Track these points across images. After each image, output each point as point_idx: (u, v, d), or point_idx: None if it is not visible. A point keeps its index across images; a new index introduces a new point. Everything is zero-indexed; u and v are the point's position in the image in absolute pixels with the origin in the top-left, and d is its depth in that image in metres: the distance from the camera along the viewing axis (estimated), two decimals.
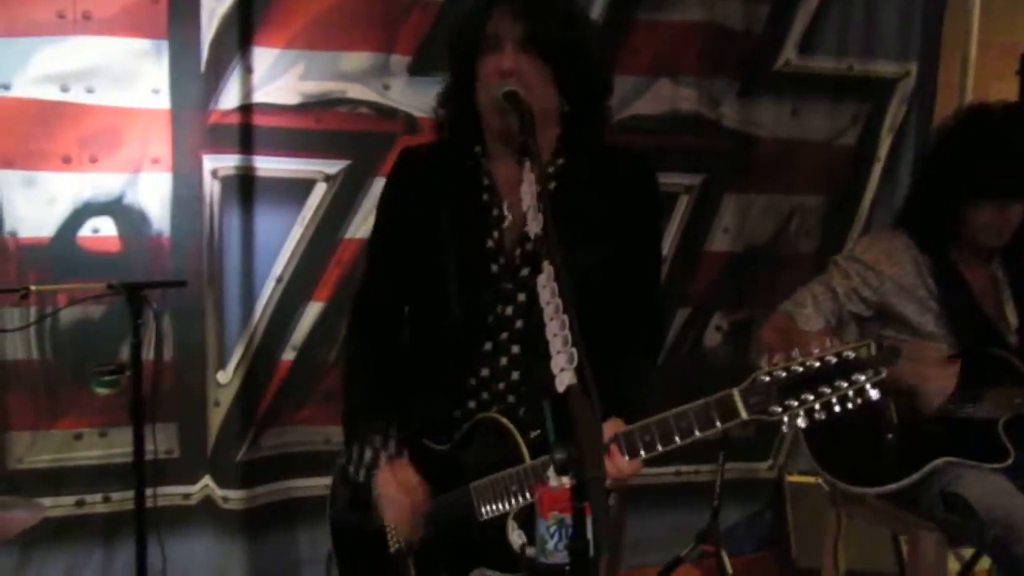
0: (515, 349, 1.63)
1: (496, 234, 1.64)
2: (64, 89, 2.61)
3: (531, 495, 1.48)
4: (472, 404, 1.66)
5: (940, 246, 2.36)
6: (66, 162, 2.62)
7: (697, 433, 1.41)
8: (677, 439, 1.43)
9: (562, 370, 1.13)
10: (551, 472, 1.19)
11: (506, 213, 1.64)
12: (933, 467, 2.24)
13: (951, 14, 3.35)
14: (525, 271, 1.62)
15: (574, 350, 1.13)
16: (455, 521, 1.58)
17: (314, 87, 2.79)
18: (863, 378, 1.35)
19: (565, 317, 1.16)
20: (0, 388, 2.63)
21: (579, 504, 1.09)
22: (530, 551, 1.36)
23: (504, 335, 1.63)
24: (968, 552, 2.63)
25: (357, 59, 2.81)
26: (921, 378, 2.24)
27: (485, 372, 1.64)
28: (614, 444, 1.44)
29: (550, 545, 1.23)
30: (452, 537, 1.59)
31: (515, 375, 1.63)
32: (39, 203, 2.62)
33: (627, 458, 1.45)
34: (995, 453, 2.20)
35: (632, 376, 1.66)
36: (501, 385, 1.64)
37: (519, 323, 1.63)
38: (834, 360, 1.36)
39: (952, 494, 2.20)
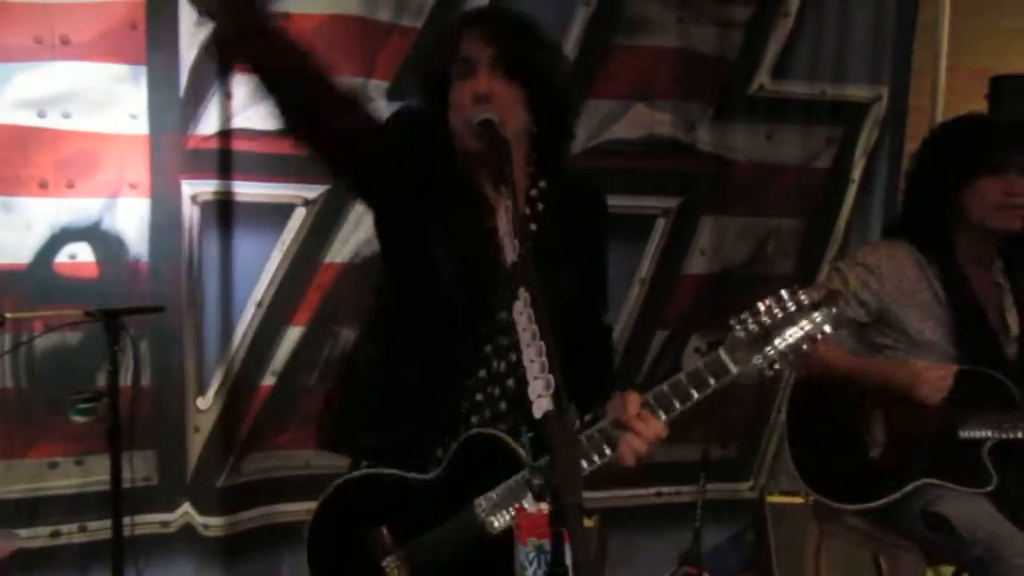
0: (513, 356, 1.67)
1: (492, 246, 1.64)
2: (41, 114, 2.60)
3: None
4: (479, 397, 1.68)
5: (944, 248, 2.35)
6: (43, 187, 2.61)
7: (696, 395, 1.56)
8: (690, 401, 1.56)
9: (539, 396, 1.14)
10: (529, 497, 1.20)
11: (499, 224, 1.65)
12: (915, 487, 2.25)
13: (921, 39, 3.41)
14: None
15: (551, 376, 1.14)
16: (465, 544, 1.58)
17: None
18: (820, 316, 1.56)
19: (542, 344, 1.18)
20: None
21: (557, 529, 1.10)
22: None
23: (504, 340, 1.67)
24: (948, 571, 2.64)
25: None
26: (917, 379, 2.24)
27: (483, 373, 1.67)
28: (646, 409, 1.54)
29: (529, 572, 1.23)
30: (464, 561, 1.58)
31: (510, 382, 1.68)
32: (15, 228, 2.60)
33: (663, 418, 1.55)
34: (978, 477, 2.21)
35: (609, 362, 1.82)
36: (496, 390, 1.68)
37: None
38: (793, 307, 1.55)
39: (933, 513, 2.20)
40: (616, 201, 3.11)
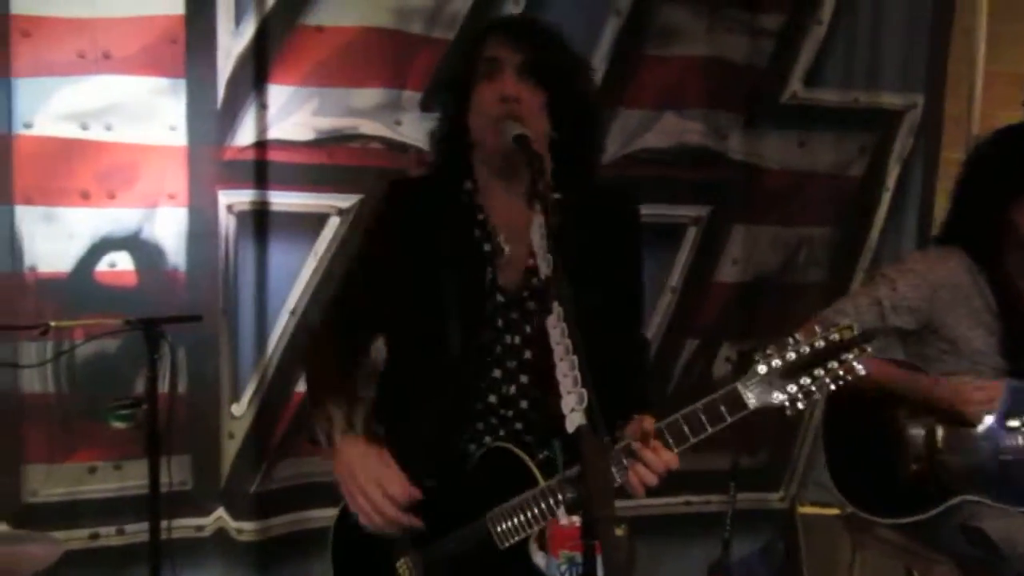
0: (523, 378, 1.66)
1: (491, 269, 1.67)
2: (84, 127, 2.66)
3: (551, 515, 1.51)
4: (480, 427, 1.67)
5: (994, 257, 2.32)
6: (85, 198, 2.67)
7: (709, 428, 1.52)
8: (704, 433, 1.53)
9: (572, 410, 1.15)
10: (561, 511, 1.21)
11: (503, 246, 1.67)
12: (954, 503, 2.23)
13: (956, 45, 3.39)
14: (531, 304, 1.66)
15: (584, 390, 1.15)
16: (474, 555, 1.58)
17: (327, 123, 2.84)
18: (851, 356, 1.49)
19: (575, 358, 1.19)
20: (16, 421, 2.65)
21: (589, 542, 1.11)
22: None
23: (512, 363, 1.66)
24: None
25: (369, 95, 2.86)
26: (962, 400, 2.22)
27: (493, 399, 1.67)
28: (658, 439, 1.51)
29: None
30: (476, 570, 1.59)
31: (523, 403, 1.66)
32: (58, 238, 2.66)
33: (675, 450, 1.52)
34: (1019, 495, 2.19)
35: (640, 383, 1.75)
36: (510, 412, 1.66)
37: (527, 353, 1.66)
38: (822, 344, 1.49)
39: (973, 528, 2.19)
40: (647, 210, 3.10)
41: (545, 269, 1.32)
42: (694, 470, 3.23)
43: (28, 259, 2.64)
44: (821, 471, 2.48)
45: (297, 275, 2.86)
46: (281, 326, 2.85)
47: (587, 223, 1.68)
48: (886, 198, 3.39)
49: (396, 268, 1.70)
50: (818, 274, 3.34)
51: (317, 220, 2.87)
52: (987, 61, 3.35)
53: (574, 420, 1.13)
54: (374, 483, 1.52)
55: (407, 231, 1.71)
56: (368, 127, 2.87)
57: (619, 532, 2.68)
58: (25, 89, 2.60)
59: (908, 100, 3.37)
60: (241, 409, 2.83)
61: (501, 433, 1.66)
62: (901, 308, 2.33)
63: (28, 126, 2.61)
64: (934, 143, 3.41)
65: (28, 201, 2.63)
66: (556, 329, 1.23)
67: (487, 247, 1.68)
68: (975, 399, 2.21)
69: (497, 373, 1.66)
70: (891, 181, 3.39)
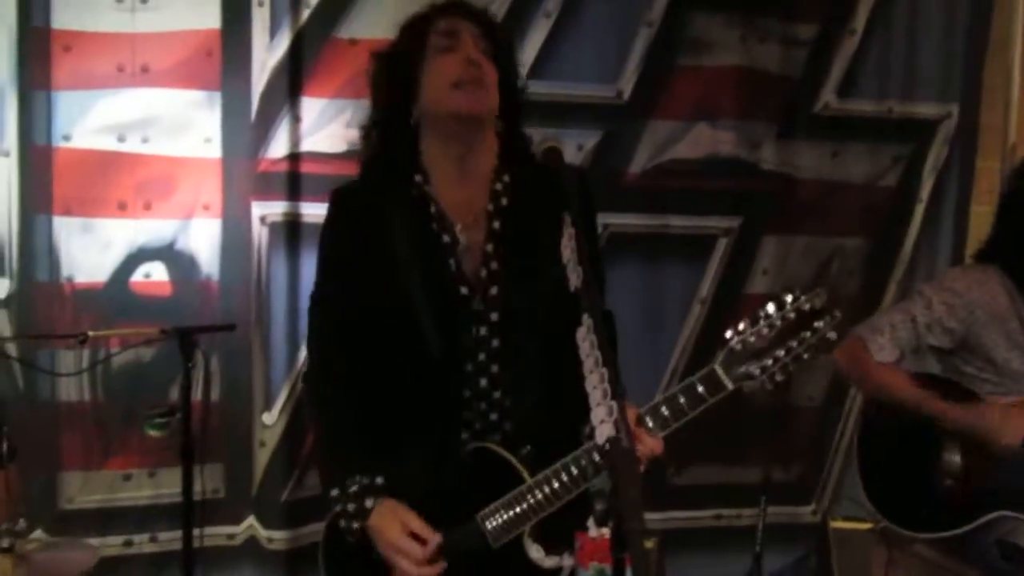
0: (494, 368, 1.64)
1: (453, 261, 1.64)
2: (121, 139, 2.71)
3: (542, 509, 1.53)
4: (457, 426, 1.65)
5: None
6: (121, 209, 2.72)
7: (689, 411, 1.50)
8: (685, 417, 1.51)
9: (602, 422, 1.15)
10: (591, 522, 1.21)
11: (459, 235, 1.64)
12: (991, 518, 2.19)
13: (992, 54, 3.35)
14: (493, 290, 1.63)
15: (613, 403, 1.15)
16: (468, 555, 1.58)
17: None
18: (822, 324, 1.48)
19: (604, 370, 1.18)
20: (53, 429, 2.70)
21: (619, 555, 1.10)
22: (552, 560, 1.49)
23: (482, 355, 1.64)
24: None
25: None
26: (995, 429, 2.20)
27: (467, 393, 1.65)
28: (640, 426, 1.48)
29: None
30: (467, 570, 1.59)
31: (496, 394, 1.64)
32: (95, 249, 2.71)
33: (660, 435, 1.50)
34: None
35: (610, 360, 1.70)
36: (483, 404, 1.64)
37: (495, 342, 1.64)
38: (793, 315, 1.47)
39: (1011, 544, 2.16)
40: (678, 221, 3.20)
41: (575, 281, 1.32)
42: (726, 483, 3.26)
43: (66, 269, 2.70)
44: (854, 485, 2.45)
45: None
46: None
47: (528, 203, 1.65)
48: (920, 209, 3.35)
49: (359, 278, 1.67)
50: (851, 285, 3.31)
51: None
52: (1023, 71, 3.30)
53: (604, 432, 1.13)
54: (399, 554, 1.57)
55: (362, 237, 1.67)
56: None
57: (648, 545, 2.66)
58: (65, 102, 2.66)
59: (943, 110, 3.33)
60: (273, 418, 2.86)
61: (477, 427, 1.64)
62: (936, 327, 2.31)
63: (67, 138, 2.67)
64: (969, 153, 3.36)
65: (67, 212, 2.69)
66: (585, 341, 1.23)
67: (446, 238, 1.65)
68: (1008, 426, 2.18)
69: (469, 367, 1.64)
70: (925, 192, 3.35)
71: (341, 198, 1.73)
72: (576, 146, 3.03)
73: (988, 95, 3.36)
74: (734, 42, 3.15)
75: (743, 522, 3.13)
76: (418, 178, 1.67)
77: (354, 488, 1.59)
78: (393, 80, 1.68)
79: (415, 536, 1.58)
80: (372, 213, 1.67)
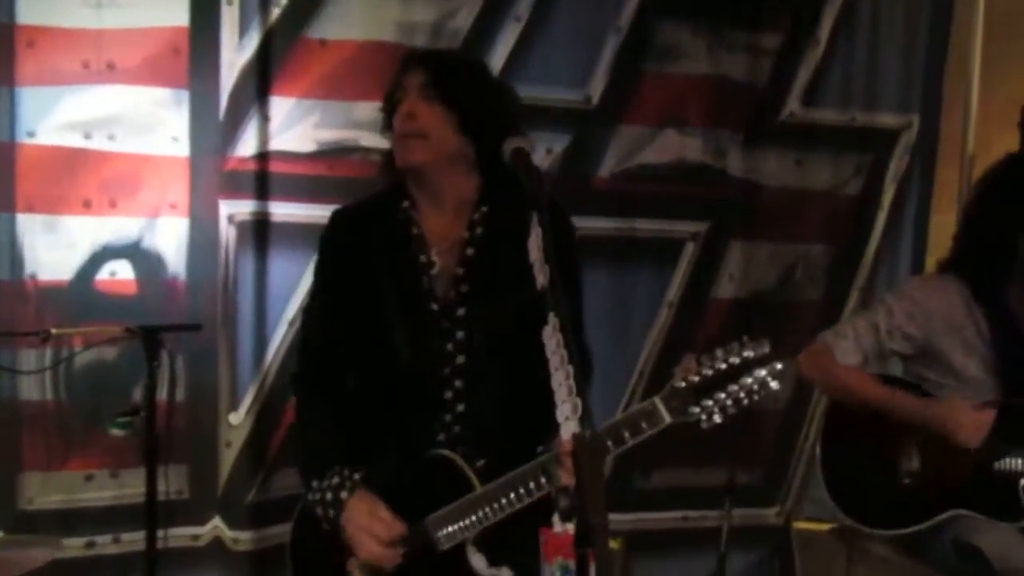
0: (458, 383, 1.73)
1: (426, 279, 1.76)
2: (87, 136, 2.68)
3: (487, 520, 1.62)
4: (421, 433, 1.74)
5: (994, 288, 2.33)
6: (86, 207, 2.69)
7: (630, 441, 1.57)
8: (624, 444, 1.58)
9: (567, 419, 1.16)
10: (556, 518, 1.23)
11: (434, 259, 1.76)
12: (947, 516, 2.24)
13: (952, 66, 3.42)
14: (461, 310, 1.74)
15: (579, 400, 1.17)
16: (414, 556, 1.66)
17: (329, 135, 2.86)
18: (764, 373, 1.56)
19: (570, 368, 1.20)
20: (14, 429, 2.65)
21: (583, 550, 1.12)
22: (491, 571, 1.59)
23: (447, 369, 1.74)
24: None
25: (371, 109, 2.80)
26: (953, 424, 2.25)
27: (433, 403, 1.74)
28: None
29: None
30: (418, 570, 1.67)
31: (460, 407, 1.73)
32: (59, 247, 2.67)
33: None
34: (1011, 510, 2.20)
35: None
36: (447, 416, 1.73)
37: (460, 358, 1.73)
38: (737, 361, 1.55)
39: (965, 544, 2.20)
40: (645, 225, 3.23)
41: (542, 280, 1.34)
42: (692, 486, 3.30)
43: (29, 267, 2.65)
44: (817, 487, 2.49)
45: (297, 286, 2.86)
46: (280, 336, 2.86)
47: (509, 235, 1.71)
48: (881, 217, 3.41)
49: (346, 294, 1.80)
50: (814, 291, 3.36)
51: (317, 232, 2.81)
52: (983, 81, 3.37)
53: (568, 428, 1.15)
54: (366, 534, 1.68)
55: (351, 256, 1.81)
56: (369, 140, 2.88)
57: (613, 546, 2.70)
58: (29, 98, 2.62)
59: (904, 120, 3.40)
60: (239, 418, 2.84)
61: (441, 437, 1.72)
62: (896, 333, 2.37)
63: (31, 135, 2.64)
64: (929, 163, 3.44)
65: (30, 209, 2.65)
66: (552, 340, 1.25)
67: (422, 258, 1.77)
68: (966, 422, 2.23)
69: (435, 379, 1.74)
70: (887, 200, 3.41)
71: (337, 218, 1.87)
72: (545, 150, 3.04)
73: (948, 105, 3.43)
74: (701, 50, 3.19)
75: (708, 524, 3.16)
76: (405, 204, 1.79)
77: (335, 480, 1.71)
78: (384, 125, 1.82)
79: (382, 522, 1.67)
80: (361, 232, 1.81)
